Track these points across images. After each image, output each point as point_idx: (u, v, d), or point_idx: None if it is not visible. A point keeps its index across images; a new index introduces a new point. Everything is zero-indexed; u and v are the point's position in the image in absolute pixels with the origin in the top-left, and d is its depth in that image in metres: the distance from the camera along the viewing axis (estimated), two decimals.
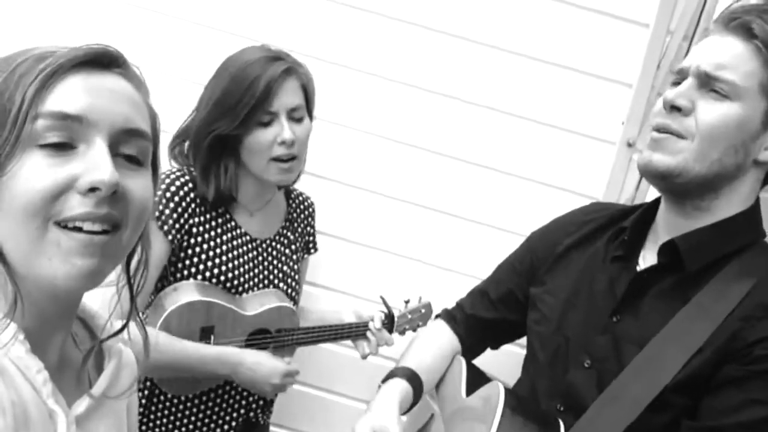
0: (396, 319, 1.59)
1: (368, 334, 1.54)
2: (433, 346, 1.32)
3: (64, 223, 0.63)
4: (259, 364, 1.35)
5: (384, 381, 1.22)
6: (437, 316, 1.41)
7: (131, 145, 0.68)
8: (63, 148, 0.63)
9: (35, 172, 0.61)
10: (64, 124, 0.63)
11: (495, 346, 1.40)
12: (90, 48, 0.67)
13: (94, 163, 0.63)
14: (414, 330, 1.62)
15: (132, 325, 0.81)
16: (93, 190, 0.63)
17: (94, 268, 0.65)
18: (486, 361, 1.37)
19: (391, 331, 1.58)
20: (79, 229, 0.63)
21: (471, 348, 1.35)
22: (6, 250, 0.63)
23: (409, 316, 1.62)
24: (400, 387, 1.19)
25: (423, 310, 1.64)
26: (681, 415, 0.98)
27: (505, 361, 1.46)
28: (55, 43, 0.69)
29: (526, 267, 1.28)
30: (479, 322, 1.32)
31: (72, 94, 0.64)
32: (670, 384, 0.96)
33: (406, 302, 1.63)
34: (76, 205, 0.63)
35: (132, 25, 1.75)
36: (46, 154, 0.62)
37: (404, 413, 1.19)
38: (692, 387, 0.97)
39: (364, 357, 1.55)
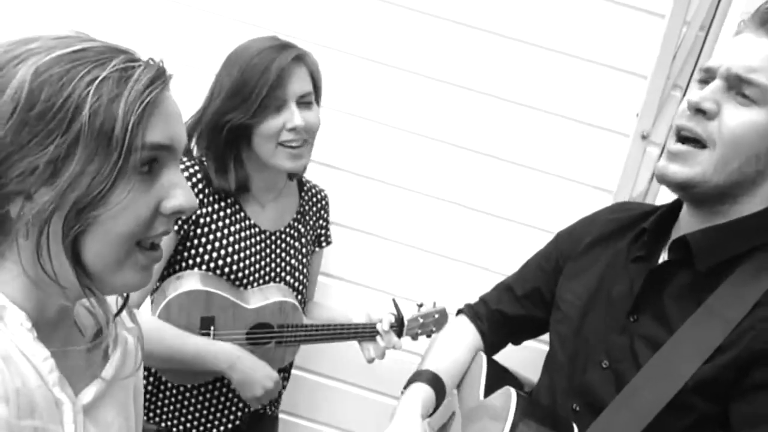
0: (406, 322, 1.56)
1: (378, 338, 1.52)
2: (456, 345, 1.32)
3: (143, 242, 0.69)
4: (256, 365, 1.37)
5: (407, 386, 1.23)
6: (459, 312, 1.40)
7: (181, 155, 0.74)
8: (151, 172, 0.67)
9: (135, 201, 0.65)
10: (157, 153, 0.67)
11: (517, 342, 1.40)
12: (159, 68, 0.68)
13: (178, 188, 0.69)
14: (428, 335, 1.60)
15: (136, 314, 0.83)
16: (176, 213, 0.69)
17: (150, 279, 0.73)
18: (509, 357, 1.37)
19: (400, 335, 1.56)
20: (157, 246, 0.71)
21: (493, 344, 1.35)
22: (89, 266, 0.66)
23: (421, 320, 1.59)
24: (423, 393, 1.19)
25: (437, 315, 1.61)
26: (704, 419, 0.96)
27: (529, 357, 1.46)
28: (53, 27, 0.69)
29: (552, 266, 1.28)
30: (504, 317, 1.32)
31: (163, 125, 0.67)
32: (690, 386, 0.94)
33: (419, 306, 1.60)
34: (159, 227, 0.69)
35: (139, 14, 1.74)
36: (139, 179, 0.66)
37: (428, 416, 1.19)
38: (714, 389, 0.94)
39: (370, 361, 1.54)
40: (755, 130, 0.93)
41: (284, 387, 1.59)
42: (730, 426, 0.94)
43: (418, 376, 1.23)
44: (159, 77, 0.67)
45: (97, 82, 0.62)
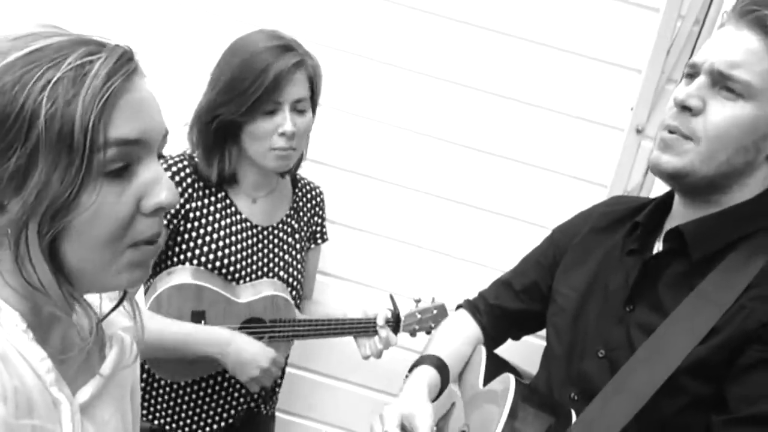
0: (403, 318, 1.55)
1: (376, 336, 1.51)
2: (458, 333, 1.33)
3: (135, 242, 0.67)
4: (249, 343, 1.35)
5: (411, 369, 1.23)
6: (459, 307, 1.41)
7: (162, 146, 0.70)
8: (123, 170, 0.64)
9: (108, 202, 0.62)
10: (125, 149, 0.63)
11: (517, 337, 1.41)
12: (122, 56, 0.64)
13: (157, 184, 0.66)
14: (427, 332, 1.58)
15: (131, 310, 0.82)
16: (157, 210, 0.66)
17: (147, 274, 0.71)
18: (508, 352, 1.37)
19: (396, 331, 1.54)
20: (154, 241, 0.68)
21: (494, 338, 1.36)
22: (74, 270, 0.64)
23: (419, 316, 1.57)
24: (428, 375, 1.20)
25: (435, 311, 1.59)
26: (698, 400, 0.97)
27: (526, 352, 1.46)
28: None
29: (550, 261, 1.28)
30: (503, 312, 1.33)
31: (128, 118, 0.63)
32: (683, 367, 0.95)
33: (417, 301, 1.58)
34: (146, 228, 0.66)
35: (136, 12, 1.73)
36: (111, 180, 0.63)
37: (433, 400, 1.19)
38: (708, 370, 0.95)
39: (365, 358, 1.52)
40: (739, 124, 0.93)
41: (279, 385, 1.58)
42: (727, 406, 0.94)
43: (423, 360, 1.24)
44: (121, 67, 0.63)
45: (50, 85, 0.59)
